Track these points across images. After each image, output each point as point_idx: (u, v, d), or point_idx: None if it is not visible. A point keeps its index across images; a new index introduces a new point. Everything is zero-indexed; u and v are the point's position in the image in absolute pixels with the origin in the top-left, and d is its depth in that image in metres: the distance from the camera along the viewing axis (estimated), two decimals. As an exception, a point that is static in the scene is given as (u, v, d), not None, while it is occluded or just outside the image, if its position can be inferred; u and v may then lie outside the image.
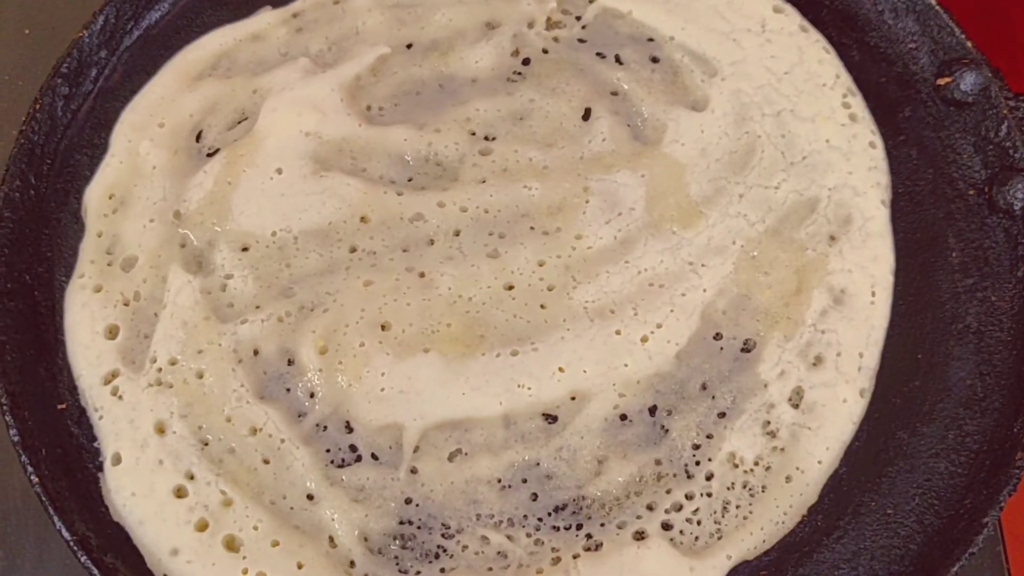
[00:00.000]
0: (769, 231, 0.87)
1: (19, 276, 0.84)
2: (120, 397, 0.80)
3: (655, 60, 0.94)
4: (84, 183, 0.89)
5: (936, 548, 0.75)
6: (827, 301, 0.85)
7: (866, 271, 0.86)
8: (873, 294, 0.85)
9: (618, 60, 0.94)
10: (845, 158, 0.90)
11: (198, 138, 0.91)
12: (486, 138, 0.90)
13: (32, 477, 0.75)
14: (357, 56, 0.92)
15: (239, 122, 0.91)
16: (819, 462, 0.80)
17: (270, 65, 0.93)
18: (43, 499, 0.75)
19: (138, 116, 0.90)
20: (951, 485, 0.78)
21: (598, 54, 0.94)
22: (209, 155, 0.90)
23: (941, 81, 0.91)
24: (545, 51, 0.94)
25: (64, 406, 0.82)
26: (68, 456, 0.80)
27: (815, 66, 0.94)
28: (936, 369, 0.82)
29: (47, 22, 1.08)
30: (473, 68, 0.93)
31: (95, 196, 0.87)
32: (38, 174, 0.88)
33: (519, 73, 0.93)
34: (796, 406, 0.81)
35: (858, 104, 0.93)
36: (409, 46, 0.94)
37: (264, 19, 0.95)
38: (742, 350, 0.83)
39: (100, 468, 0.79)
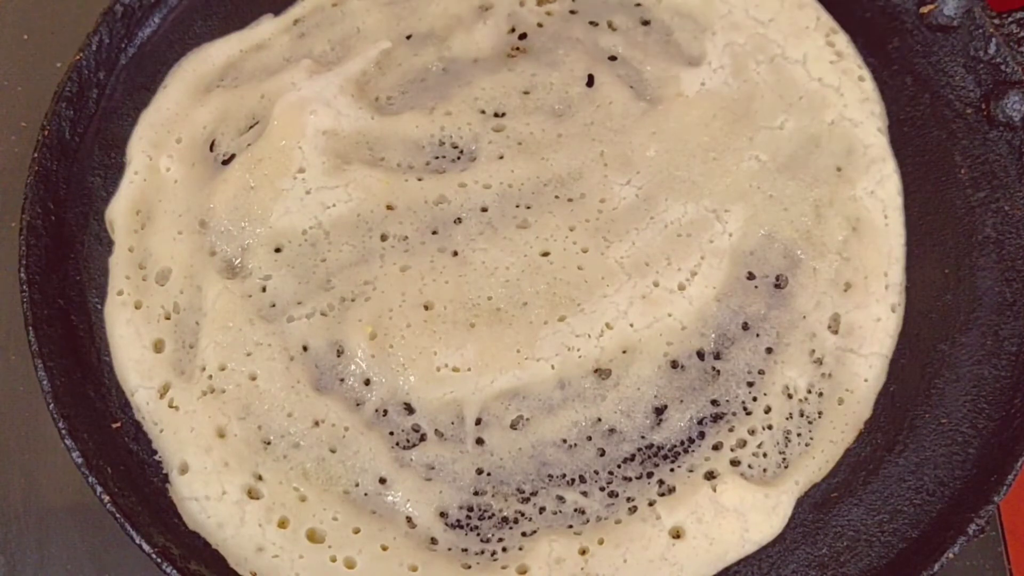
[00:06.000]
0: (781, 169, 0.89)
1: (53, 302, 0.84)
2: (176, 408, 0.80)
3: (646, 23, 0.96)
4: (102, 204, 0.89)
5: (995, 449, 0.78)
6: (846, 229, 0.87)
7: (875, 196, 0.89)
8: (886, 216, 0.88)
9: (611, 26, 0.96)
10: (838, 93, 0.92)
11: (211, 147, 0.91)
12: (496, 115, 0.91)
13: (103, 496, 0.75)
14: (360, 53, 0.93)
15: (250, 127, 0.91)
16: (865, 380, 0.83)
17: (274, 70, 0.93)
18: (117, 516, 0.74)
19: (155, 133, 0.91)
20: (998, 388, 0.81)
21: (591, 23, 0.96)
22: (224, 162, 0.90)
23: (924, 9, 0.94)
24: (540, 25, 0.96)
25: (119, 424, 0.81)
26: (132, 472, 0.79)
27: (796, 12, 0.97)
28: (964, 281, 0.86)
29: (46, 28, 1.07)
30: (473, 50, 0.94)
31: (121, 213, 0.87)
32: (56, 200, 0.88)
33: (518, 48, 0.95)
34: (835, 331, 0.84)
35: (842, 41, 0.95)
36: (409, 37, 0.95)
37: (267, 29, 0.96)
38: (775, 286, 0.86)
39: (165, 480, 0.79)
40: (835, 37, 0.95)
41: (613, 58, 0.95)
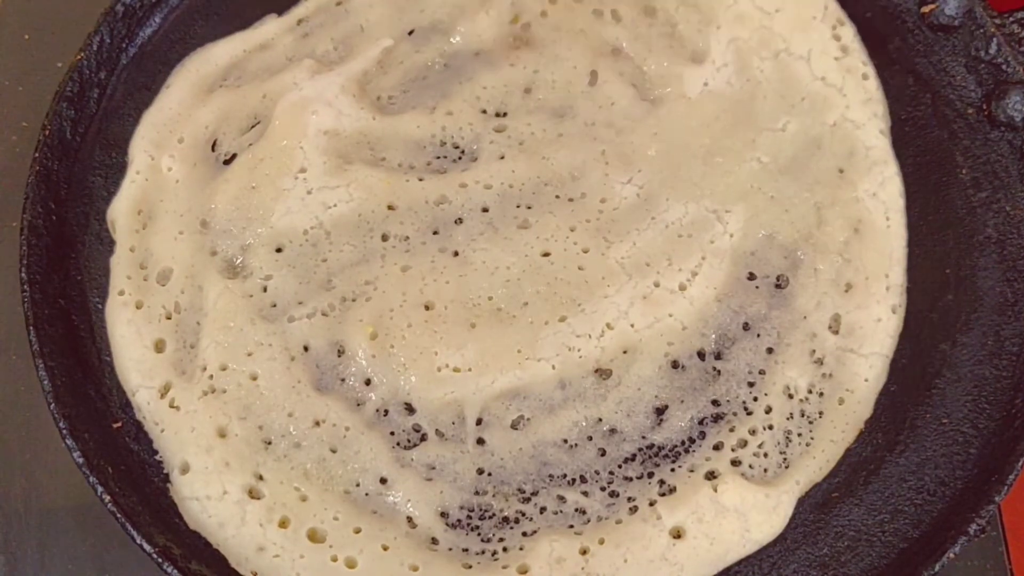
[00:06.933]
0: (783, 171, 0.89)
1: (54, 302, 0.84)
2: (177, 408, 0.80)
3: (651, 13, 0.96)
4: (103, 204, 0.89)
5: (996, 448, 0.78)
6: (847, 231, 0.87)
7: (877, 198, 0.89)
8: (887, 218, 0.88)
9: (615, 16, 0.95)
10: (841, 93, 0.92)
11: (213, 147, 0.91)
12: (497, 114, 0.92)
13: (104, 496, 0.75)
14: (362, 52, 0.93)
15: (252, 127, 0.91)
16: (866, 380, 0.83)
17: (277, 70, 0.93)
18: (118, 516, 0.74)
19: (157, 132, 0.91)
20: (998, 388, 0.81)
21: (595, 11, 0.95)
22: (226, 162, 0.90)
23: (925, 9, 0.94)
24: (544, 14, 0.95)
25: (119, 424, 0.81)
26: (132, 472, 0.79)
27: (803, 0, 0.95)
28: (965, 281, 0.86)
29: (47, 28, 1.06)
30: (476, 42, 0.94)
31: (122, 212, 0.87)
32: (57, 199, 0.88)
33: (520, 39, 0.94)
34: (836, 332, 0.84)
35: (848, 34, 0.94)
36: (411, 32, 0.95)
37: (270, 28, 0.96)
38: (776, 286, 0.86)
39: (166, 480, 0.79)
40: (842, 29, 0.94)
41: (616, 51, 0.94)
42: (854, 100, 0.92)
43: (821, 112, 0.91)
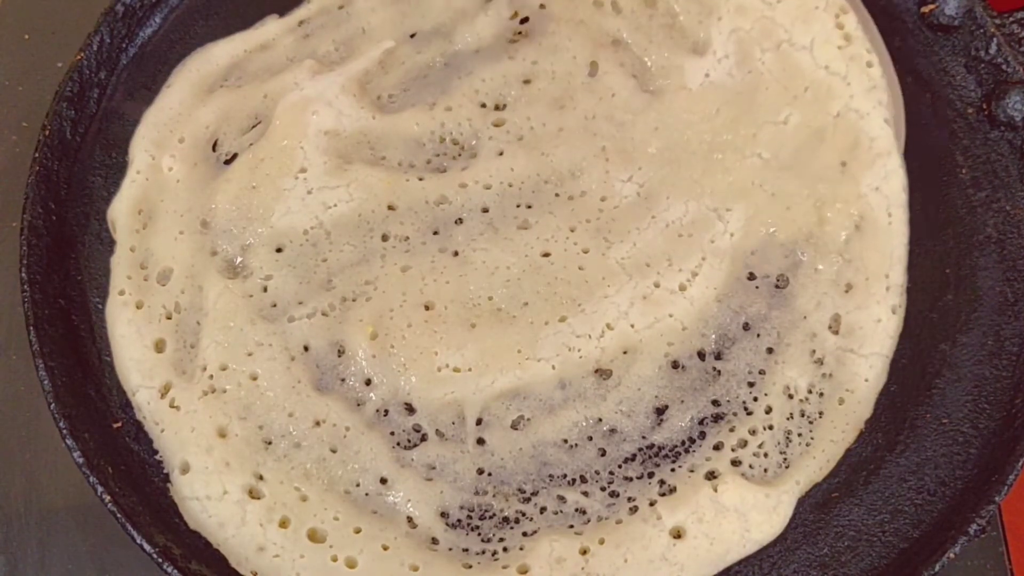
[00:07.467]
0: (784, 167, 0.89)
1: (54, 302, 0.84)
2: (177, 408, 0.80)
3: (651, 4, 0.95)
4: (103, 204, 0.89)
5: (996, 448, 0.79)
6: (848, 229, 0.87)
7: (880, 192, 0.88)
8: (889, 215, 0.87)
9: (615, 7, 0.95)
10: (845, 82, 0.90)
11: (214, 147, 0.91)
12: (496, 107, 0.92)
13: (104, 496, 0.75)
14: (364, 53, 0.93)
15: (252, 127, 0.91)
16: (866, 380, 0.83)
17: (278, 70, 0.93)
18: (118, 516, 0.74)
19: (158, 132, 0.91)
20: (998, 388, 0.82)
21: (595, 2, 0.95)
22: (226, 162, 0.90)
23: (925, 9, 0.94)
24: (542, 5, 0.95)
25: (120, 424, 0.81)
26: (132, 472, 0.80)
27: (805, -10, 0.95)
28: (965, 281, 0.86)
29: (47, 28, 1.06)
30: (476, 40, 0.94)
31: (123, 212, 0.87)
32: (57, 199, 0.88)
33: (519, 32, 0.94)
34: (836, 332, 0.84)
35: (851, 23, 0.92)
36: (413, 35, 0.95)
37: (271, 29, 0.96)
38: (776, 286, 0.85)
39: (166, 480, 0.79)
40: (844, 18, 0.92)
41: (616, 42, 0.94)
42: (858, 88, 0.90)
43: (824, 102, 0.90)
